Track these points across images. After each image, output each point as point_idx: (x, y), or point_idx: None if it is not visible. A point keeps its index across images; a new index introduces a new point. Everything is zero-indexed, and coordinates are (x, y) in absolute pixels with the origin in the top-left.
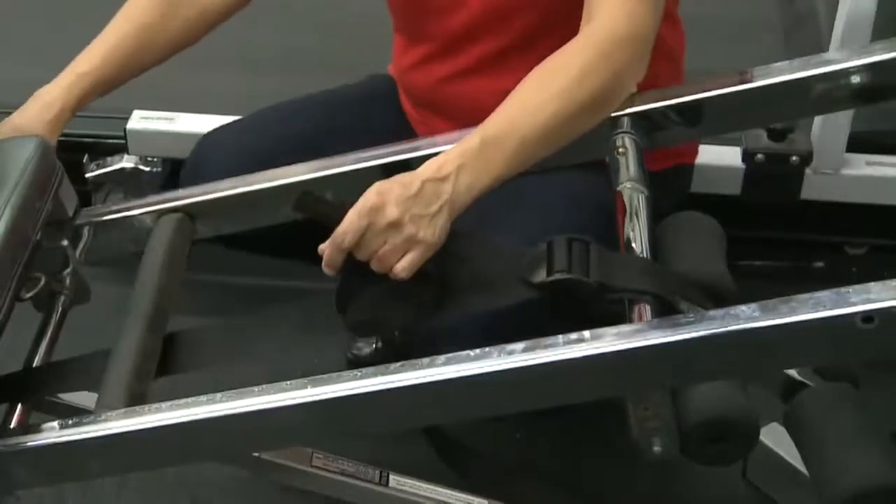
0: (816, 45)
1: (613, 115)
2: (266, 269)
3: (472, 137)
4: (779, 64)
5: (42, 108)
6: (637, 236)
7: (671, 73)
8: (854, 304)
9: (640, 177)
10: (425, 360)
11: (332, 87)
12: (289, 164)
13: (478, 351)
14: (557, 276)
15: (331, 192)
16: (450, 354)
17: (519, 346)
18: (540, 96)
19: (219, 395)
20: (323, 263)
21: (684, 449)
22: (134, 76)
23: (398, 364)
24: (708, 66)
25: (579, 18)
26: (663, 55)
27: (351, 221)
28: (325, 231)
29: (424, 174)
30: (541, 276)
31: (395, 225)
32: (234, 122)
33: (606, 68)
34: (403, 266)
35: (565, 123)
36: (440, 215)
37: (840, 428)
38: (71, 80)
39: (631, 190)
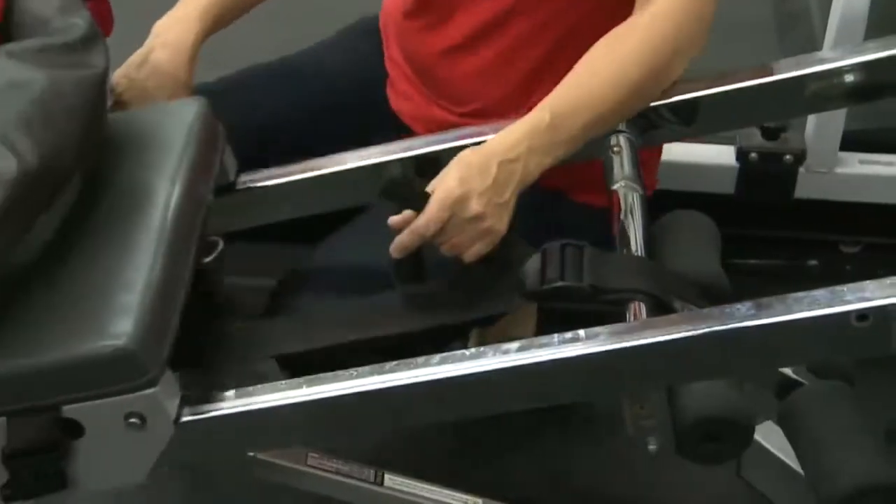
0: (810, 44)
1: None
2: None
3: (541, 114)
4: (772, 63)
5: (176, 47)
6: (632, 235)
7: None
8: (848, 303)
9: (634, 175)
10: (420, 360)
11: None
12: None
13: (473, 350)
14: (551, 284)
15: (410, 174)
16: (445, 353)
17: (514, 345)
18: (608, 76)
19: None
20: (394, 246)
21: (679, 447)
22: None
23: (393, 363)
24: (702, 65)
25: None
26: None
27: (434, 213)
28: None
29: (497, 154)
30: (535, 284)
31: (477, 218)
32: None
33: (671, 49)
34: (473, 253)
35: (629, 104)
36: (512, 200)
37: (834, 426)
38: (198, 13)
39: (626, 188)
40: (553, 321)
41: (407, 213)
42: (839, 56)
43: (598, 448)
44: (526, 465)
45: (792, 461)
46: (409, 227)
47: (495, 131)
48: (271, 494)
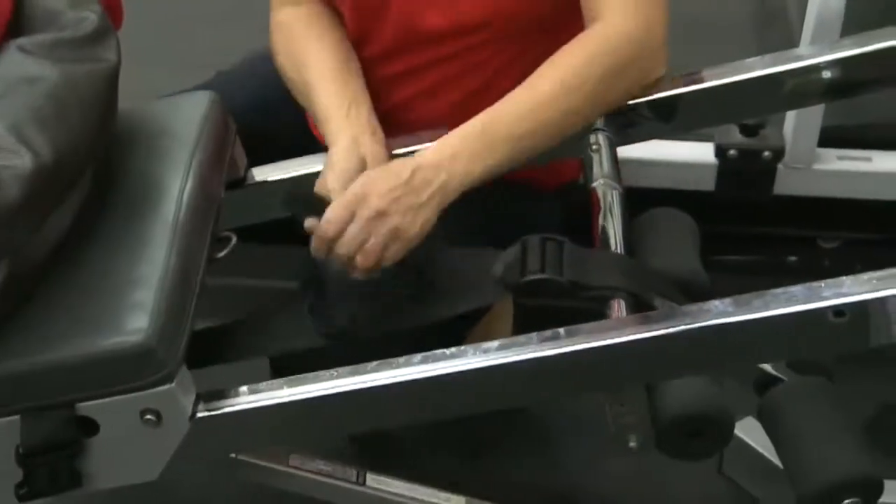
0: (788, 41)
1: None
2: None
3: (474, 123)
4: (750, 60)
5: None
6: (612, 232)
7: None
8: (826, 299)
9: (613, 173)
10: (401, 360)
11: None
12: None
13: (454, 349)
14: (531, 276)
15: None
16: (425, 353)
17: (494, 344)
18: (550, 90)
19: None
20: (313, 250)
21: (660, 444)
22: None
23: (374, 363)
24: (680, 63)
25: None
26: None
27: (334, 211)
28: None
29: (419, 160)
30: (515, 276)
31: (379, 215)
32: None
33: (618, 63)
34: (388, 258)
35: (570, 121)
36: (429, 205)
37: (814, 421)
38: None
39: (605, 186)
40: (529, 323)
41: (314, 220)
42: (816, 53)
43: (580, 446)
44: (508, 464)
45: (773, 457)
46: (315, 235)
47: None
48: (250, 496)
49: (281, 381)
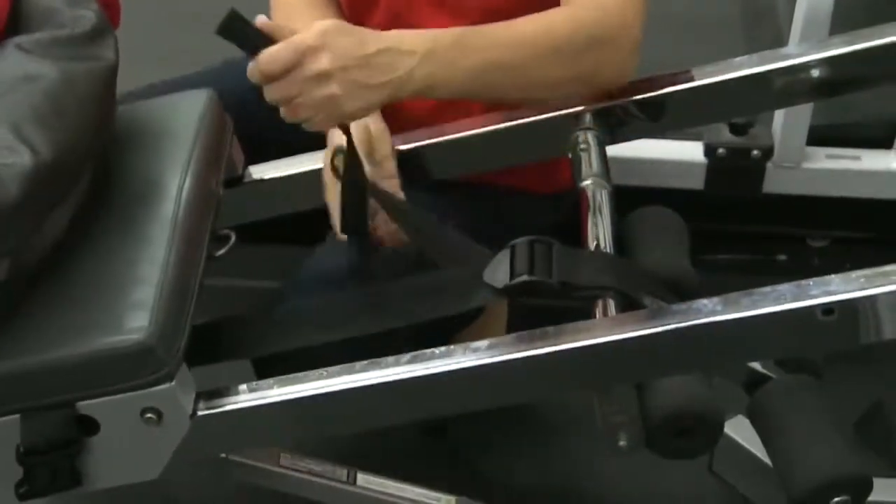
0: (776, 40)
1: (575, 111)
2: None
3: (449, 31)
4: (739, 58)
5: None
6: (601, 232)
7: None
8: (814, 297)
9: (602, 172)
10: (390, 360)
11: None
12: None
13: (443, 349)
14: (519, 279)
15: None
16: (415, 353)
17: (483, 343)
18: (531, 32)
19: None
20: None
21: (650, 443)
22: None
23: (364, 363)
24: (669, 62)
25: None
26: None
27: (279, 50)
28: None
29: (387, 41)
30: (503, 279)
31: (323, 77)
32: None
33: (597, 31)
34: (314, 124)
35: (539, 72)
36: (379, 91)
37: (803, 419)
38: None
39: (594, 186)
40: (523, 324)
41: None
42: (805, 51)
43: (569, 446)
44: (499, 464)
45: (763, 455)
46: (256, 59)
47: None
48: (241, 497)
49: (281, 378)
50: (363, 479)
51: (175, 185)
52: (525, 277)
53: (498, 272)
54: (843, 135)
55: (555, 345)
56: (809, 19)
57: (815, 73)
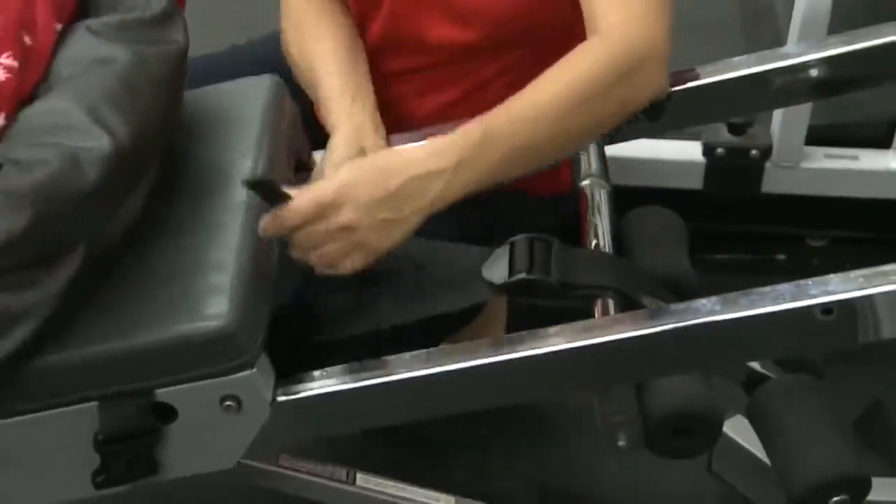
0: (775, 40)
1: None
2: None
3: (473, 129)
4: (737, 58)
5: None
6: (600, 231)
7: None
8: (813, 297)
9: (601, 172)
10: (390, 359)
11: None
12: None
13: (440, 348)
14: (518, 276)
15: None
16: (410, 353)
17: (482, 342)
18: (550, 102)
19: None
20: (259, 228)
21: (649, 443)
22: None
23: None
24: (668, 62)
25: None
26: None
27: (301, 206)
28: None
29: (413, 167)
30: (502, 276)
31: (347, 229)
32: None
33: (621, 68)
34: (346, 268)
35: (568, 135)
36: (409, 221)
37: (802, 419)
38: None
39: (593, 185)
40: (523, 322)
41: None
42: (803, 51)
43: (568, 445)
44: (498, 464)
45: (762, 455)
46: (274, 210)
47: None
48: (241, 496)
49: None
50: (363, 479)
51: (247, 169)
52: (524, 275)
53: (496, 269)
54: (842, 134)
55: (554, 345)
56: (808, 19)
57: (814, 72)
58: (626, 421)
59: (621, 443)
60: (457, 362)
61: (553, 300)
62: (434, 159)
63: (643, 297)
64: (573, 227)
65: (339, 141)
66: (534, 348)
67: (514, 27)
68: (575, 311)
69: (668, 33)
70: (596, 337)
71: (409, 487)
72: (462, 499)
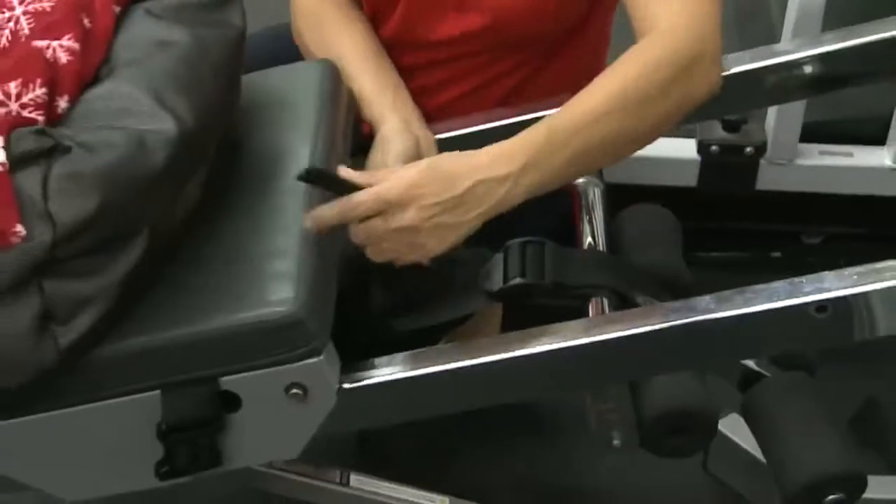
0: (769, 36)
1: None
2: None
3: (537, 131)
4: (732, 55)
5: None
6: (593, 230)
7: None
8: (808, 294)
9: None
10: (385, 359)
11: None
12: None
13: (434, 349)
14: (511, 282)
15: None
16: (423, 349)
17: (475, 342)
18: (605, 102)
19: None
20: (312, 215)
21: (644, 441)
22: None
23: (379, 359)
24: None
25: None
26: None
27: (368, 200)
28: None
29: (481, 171)
30: (497, 283)
31: (409, 230)
32: None
33: (673, 80)
34: (403, 262)
35: (625, 136)
36: (470, 224)
37: (797, 416)
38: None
39: (586, 183)
40: (518, 320)
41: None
42: (797, 48)
43: (564, 445)
44: (492, 465)
45: (758, 453)
46: (337, 201)
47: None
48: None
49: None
50: (356, 479)
51: (305, 154)
52: (518, 280)
53: (492, 276)
54: (836, 131)
55: (546, 344)
56: (802, 15)
57: (808, 69)
58: (619, 420)
59: (616, 442)
60: (438, 365)
61: (548, 301)
62: (500, 163)
63: (637, 295)
64: (567, 226)
65: (392, 133)
66: (527, 348)
67: (524, 16)
68: (570, 309)
69: (720, 29)
70: (590, 336)
71: (404, 488)
72: (456, 499)
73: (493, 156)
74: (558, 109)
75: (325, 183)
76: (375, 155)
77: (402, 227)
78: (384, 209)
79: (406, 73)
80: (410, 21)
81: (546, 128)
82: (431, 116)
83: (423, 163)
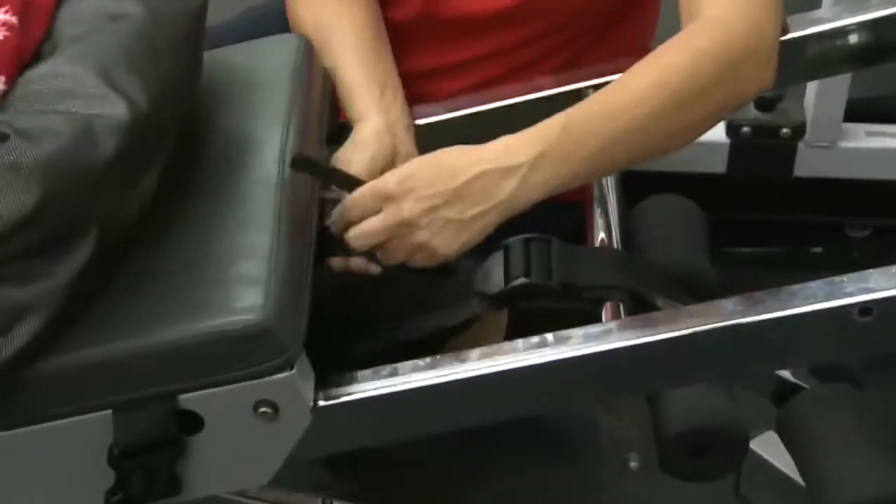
0: (809, 1)
1: (576, 87)
2: None
3: (554, 122)
4: None
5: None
6: (607, 224)
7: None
8: (850, 295)
9: None
10: (367, 372)
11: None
12: None
13: (428, 359)
14: (514, 282)
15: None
16: (409, 362)
17: (474, 353)
18: (645, 89)
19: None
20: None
21: (664, 464)
22: None
23: (359, 372)
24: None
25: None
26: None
27: (362, 198)
28: None
29: (487, 161)
30: (498, 285)
31: (406, 225)
32: None
33: (721, 73)
34: (411, 264)
35: (666, 127)
36: (477, 223)
37: (839, 433)
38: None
39: None
40: (525, 327)
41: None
42: (841, 14)
43: (575, 467)
44: (491, 489)
45: (797, 475)
46: (339, 206)
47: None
48: None
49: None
50: None
51: (276, 142)
52: (522, 280)
53: (491, 277)
54: (885, 109)
55: (555, 353)
56: None
57: (853, 39)
58: (637, 438)
59: (632, 464)
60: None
61: (556, 304)
62: (507, 155)
63: (657, 297)
64: (578, 223)
65: (371, 134)
66: (533, 357)
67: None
68: (582, 313)
69: (780, 16)
70: (603, 344)
71: None
72: None
73: (501, 147)
74: (585, 100)
75: (319, 174)
76: (346, 153)
77: (400, 221)
78: (379, 205)
79: (435, 49)
80: (433, 2)
81: (565, 118)
82: (461, 95)
83: (426, 156)
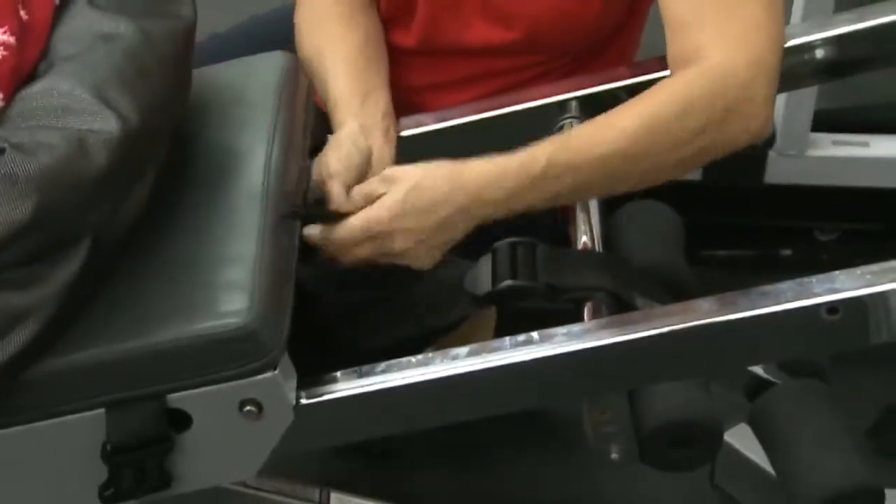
0: None
1: (560, 99)
2: None
3: (535, 160)
4: None
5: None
6: (588, 229)
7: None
8: (818, 295)
9: None
10: (349, 371)
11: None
12: None
13: (420, 357)
14: (501, 284)
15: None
16: (390, 361)
17: (463, 350)
18: (631, 130)
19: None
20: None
21: (644, 455)
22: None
23: (340, 372)
24: (661, 44)
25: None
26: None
27: (355, 232)
28: None
29: (464, 197)
30: (486, 286)
31: (399, 255)
32: None
33: (714, 126)
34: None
35: (649, 175)
36: (460, 234)
37: (810, 427)
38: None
39: None
40: (512, 326)
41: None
42: (809, 30)
43: (558, 459)
44: (484, 478)
45: (769, 466)
46: (326, 234)
47: None
48: None
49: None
50: (336, 498)
51: (262, 155)
52: (508, 282)
53: (480, 279)
54: (851, 120)
55: (540, 351)
56: None
57: (820, 53)
58: (618, 431)
59: (614, 455)
60: (423, 374)
61: (541, 304)
62: (488, 188)
63: (636, 298)
64: (561, 225)
65: (344, 137)
66: (519, 355)
67: (556, 27)
68: (566, 313)
69: (779, 60)
70: (586, 341)
71: None
72: None
73: (479, 179)
74: (565, 136)
75: (312, 218)
76: (323, 154)
77: (393, 253)
78: (371, 237)
79: (437, 68)
80: (432, 29)
81: (546, 158)
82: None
83: (403, 188)
